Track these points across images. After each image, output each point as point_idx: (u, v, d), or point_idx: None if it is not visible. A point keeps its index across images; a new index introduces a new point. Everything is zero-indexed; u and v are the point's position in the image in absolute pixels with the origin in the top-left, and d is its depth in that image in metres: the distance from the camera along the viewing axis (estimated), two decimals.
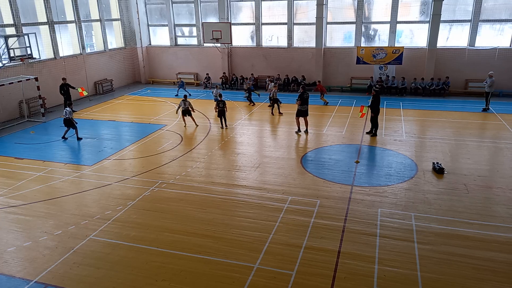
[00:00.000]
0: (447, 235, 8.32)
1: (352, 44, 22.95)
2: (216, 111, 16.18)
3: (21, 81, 16.96)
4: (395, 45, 21.92)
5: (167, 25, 25.89)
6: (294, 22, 23.55)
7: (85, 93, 18.48)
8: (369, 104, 14.52)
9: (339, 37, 23.50)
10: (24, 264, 7.64)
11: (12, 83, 16.54)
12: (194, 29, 25.58)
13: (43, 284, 7.04)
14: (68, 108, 14.78)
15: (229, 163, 12.54)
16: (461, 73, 21.23)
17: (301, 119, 15.13)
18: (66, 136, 15.04)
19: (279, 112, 18.12)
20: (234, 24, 24.27)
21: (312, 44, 23.23)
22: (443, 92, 21.05)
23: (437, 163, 11.57)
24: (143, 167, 12.27)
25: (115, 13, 25.14)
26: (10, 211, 9.70)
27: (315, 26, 22.60)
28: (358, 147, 13.59)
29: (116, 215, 9.37)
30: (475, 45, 21.08)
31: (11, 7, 17.96)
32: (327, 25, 23.12)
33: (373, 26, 22.96)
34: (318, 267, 7.38)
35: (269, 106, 18.67)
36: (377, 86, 20.61)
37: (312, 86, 23.25)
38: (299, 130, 15.25)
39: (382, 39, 22.68)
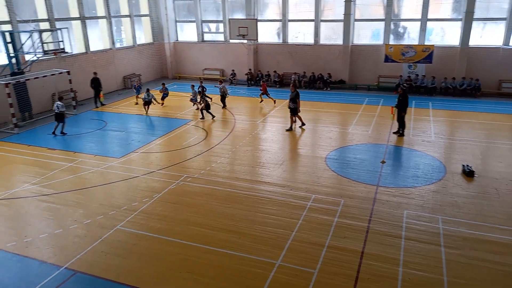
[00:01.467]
0: (476, 240, 8.10)
1: (380, 41, 22.52)
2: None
3: (54, 74, 17.54)
4: (425, 43, 21.36)
5: (194, 21, 26.14)
6: (321, 19, 23.31)
7: (101, 99, 19.51)
8: (396, 103, 14.24)
9: (367, 34, 23.11)
10: (55, 250, 7.94)
11: (46, 76, 17.12)
12: (221, 25, 25.72)
13: (72, 271, 7.30)
14: (59, 102, 14.78)
15: (253, 159, 12.59)
16: (495, 73, 20.47)
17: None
18: (56, 132, 15.08)
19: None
20: (261, 20, 24.24)
21: (339, 41, 22.94)
22: (475, 92, 20.37)
23: (467, 165, 11.24)
24: (169, 161, 12.48)
25: (144, 9, 25.58)
26: (43, 199, 10.08)
27: (342, 23, 22.30)
28: (385, 147, 13.37)
29: (143, 207, 9.59)
30: (510, 44, 20.28)
31: (45, 2, 18.57)
32: (355, 22, 22.77)
33: (402, 23, 22.44)
34: (341, 267, 7.33)
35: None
36: (405, 84, 20.17)
37: (338, 84, 23.05)
38: (290, 127, 15.43)
39: (411, 37, 22.15)
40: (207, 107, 16.85)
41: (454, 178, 10.92)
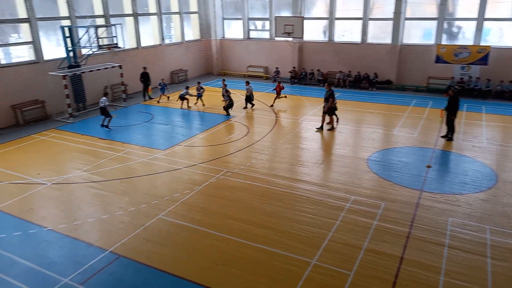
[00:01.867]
0: None
1: (431, 41, 21.60)
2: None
3: (107, 68, 18.46)
4: (481, 44, 20.21)
5: (241, 19, 26.42)
6: (370, 17, 22.73)
7: (150, 93, 20.22)
8: (446, 106, 13.63)
9: (418, 33, 22.24)
10: (101, 234, 8.41)
11: (99, 69, 18.07)
12: (267, 23, 25.81)
13: (116, 255, 7.71)
14: (104, 98, 15.29)
15: (293, 157, 12.58)
16: None
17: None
18: (105, 124, 15.56)
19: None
20: (307, 18, 24.05)
21: (388, 40, 22.27)
22: None
23: None
24: (210, 155, 12.77)
25: (193, 6, 26.22)
26: (92, 186, 10.69)
27: (392, 21, 21.63)
28: (431, 151, 12.86)
29: (184, 198, 9.90)
30: None
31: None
32: (405, 21, 22.00)
33: (456, 23, 21.37)
34: (378, 271, 7.19)
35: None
36: (456, 87, 19.23)
37: (385, 84, 22.41)
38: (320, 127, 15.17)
39: (466, 37, 21.03)
40: (229, 105, 17.02)
41: (506, 187, 10.31)
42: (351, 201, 9.68)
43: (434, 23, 21.34)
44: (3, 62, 15.87)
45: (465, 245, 7.90)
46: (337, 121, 15.70)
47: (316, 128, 15.08)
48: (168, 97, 20.20)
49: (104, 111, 15.37)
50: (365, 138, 14.27)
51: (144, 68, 20.16)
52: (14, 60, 16.45)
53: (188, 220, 8.93)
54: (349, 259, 7.52)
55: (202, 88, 19.08)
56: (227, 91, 17.41)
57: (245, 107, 18.21)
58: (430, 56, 21.11)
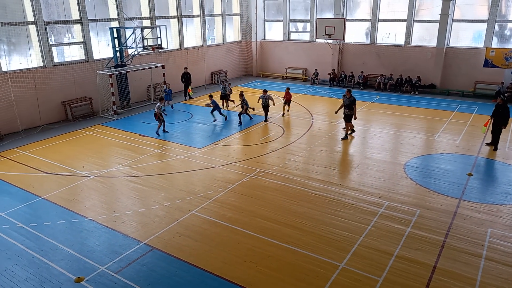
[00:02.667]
0: None
1: (481, 44, 20.60)
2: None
3: (151, 68, 19.22)
4: None
5: (282, 20, 26.52)
6: (415, 19, 22.04)
7: (190, 93, 20.29)
8: (492, 113, 12.97)
9: (466, 36, 21.28)
10: (137, 227, 8.81)
11: (144, 69, 18.84)
12: (308, 24, 25.73)
13: (150, 247, 8.05)
14: (157, 103, 14.98)
15: (327, 160, 12.49)
16: None
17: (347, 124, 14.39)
18: (162, 130, 15.12)
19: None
20: (349, 20, 23.75)
21: (433, 43, 21.49)
22: None
23: None
24: (245, 154, 12.96)
25: (235, 8, 26.66)
26: (131, 180, 11.21)
27: (438, 23, 20.86)
28: (474, 159, 12.30)
29: (217, 195, 10.14)
30: None
31: (149, 1, 20.38)
32: (453, 23, 21.13)
33: (509, 25, 20.25)
34: (408, 279, 7.02)
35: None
36: (505, 95, 18.17)
37: (428, 88, 21.64)
38: (345, 136, 14.47)
39: None
40: (244, 111, 16.38)
41: None
42: (384, 207, 9.49)
43: (484, 25, 20.35)
44: (56, 60, 16.97)
45: (504, 257, 7.52)
46: (352, 131, 14.72)
47: (342, 138, 14.32)
48: (172, 106, 19.06)
49: (156, 116, 14.94)
50: (403, 143, 13.88)
51: (185, 68, 20.78)
52: (67, 59, 17.55)
53: (220, 217, 9.14)
54: (378, 265, 7.40)
55: (214, 102, 16.42)
56: (243, 100, 16.41)
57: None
58: (478, 59, 20.17)
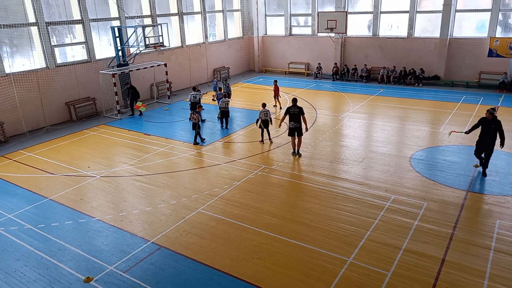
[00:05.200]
0: None
1: (484, 34, 20.40)
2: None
3: (153, 66, 19.20)
4: None
5: (283, 15, 26.38)
6: (417, 10, 21.85)
7: (142, 109, 17.38)
8: (468, 130, 10.96)
9: (470, 26, 21.09)
10: (144, 225, 8.84)
11: (146, 68, 18.84)
12: (310, 18, 25.58)
13: (157, 245, 8.07)
14: (193, 111, 14.27)
15: (332, 154, 12.45)
16: None
17: (294, 139, 12.31)
18: (201, 139, 13.99)
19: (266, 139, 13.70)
20: (351, 13, 23.58)
21: (436, 34, 21.32)
22: None
23: None
24: (249, 151, 12.95)
25: (236, 4, 26.55)
26: (137, 179, 11.23)
27: (441, 14, 20.67)
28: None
29: (223, 193, 10.14)
30: None
31: (149, 0, 20.31)
32: (456, 13, 20.92)
33: None
34: (417, 272, 6.99)
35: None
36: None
37: (432, 80, 21.49)
38: (293, 151, 12.50)
39: None
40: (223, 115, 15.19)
41: None
42: (391, 200, 9.45)
43: (487, 15, 20.15)
44: (59, 61, 16.99)
45: None
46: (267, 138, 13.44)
47: (293, 153, 12.49)
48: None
49: (195, 126, 13.70)
50: (408, 136, 13.81)
51: (127, 83, 17.85)
52: (69, 60, 17.56)
53: (226, 214, 9.14)
54: (387, 259, 7.38)
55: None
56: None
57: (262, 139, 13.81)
58: (483, 50, 20.01)
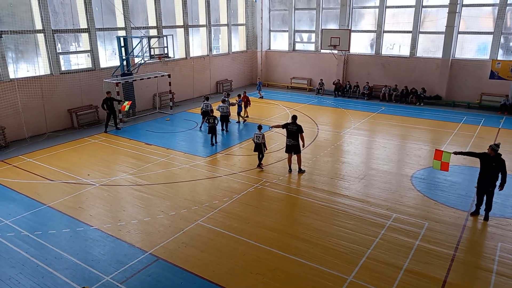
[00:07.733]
0: None
1: (486, 56, 20.60)
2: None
3: (157, 76, 19.29)
4: None
5: (287, 31, 26.66)
6: (420, 30, 22.10)
7: (126, 108, 16.88)
8: (479, 175, 9.42)
9: (472, 48, 21.29)
10: (142, 236, 8.74)
11: (150, 78, 18.92)
12: (313, 35, 25.85)
13: (155, 257, 7.96)
14: (211, 117, 14.67)
15: (333, 171, 12.41)
16: None
17: (291, 156, 12.19)
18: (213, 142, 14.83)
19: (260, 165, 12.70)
20: (354, 31, 23.84)
21: (438, 54, 21.52)
22: None
23: None
24: (250, 164, 12.90)
25: (241, 18, 26.86)
26: (136, 188, 11.15)
27: (443, 35, 20.90)
28: None
29: (222, 205, 10.07)
30: None
31: (155, 11, 20.56)
32: (458, 35, 21.16)
33: None
34: None
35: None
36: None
37: (433, 100, 21.59)
38: (289, 169, 12.29)
39: None
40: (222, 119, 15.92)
41: None
42: (392, 219, 9.38)
43: (489, 37, 20.37)
44: (63, 68, 17.07)
45: None
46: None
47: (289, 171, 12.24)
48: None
49: (212, 130, 14.64)
50: (410, 155, 13.80)
51: (108, 93, 16.46)
52: (74, 68, 17.64)
53: (226, 227, 9.05)
54: (387, 278, 7.28)
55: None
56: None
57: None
58: (484, 71, 20.15)
